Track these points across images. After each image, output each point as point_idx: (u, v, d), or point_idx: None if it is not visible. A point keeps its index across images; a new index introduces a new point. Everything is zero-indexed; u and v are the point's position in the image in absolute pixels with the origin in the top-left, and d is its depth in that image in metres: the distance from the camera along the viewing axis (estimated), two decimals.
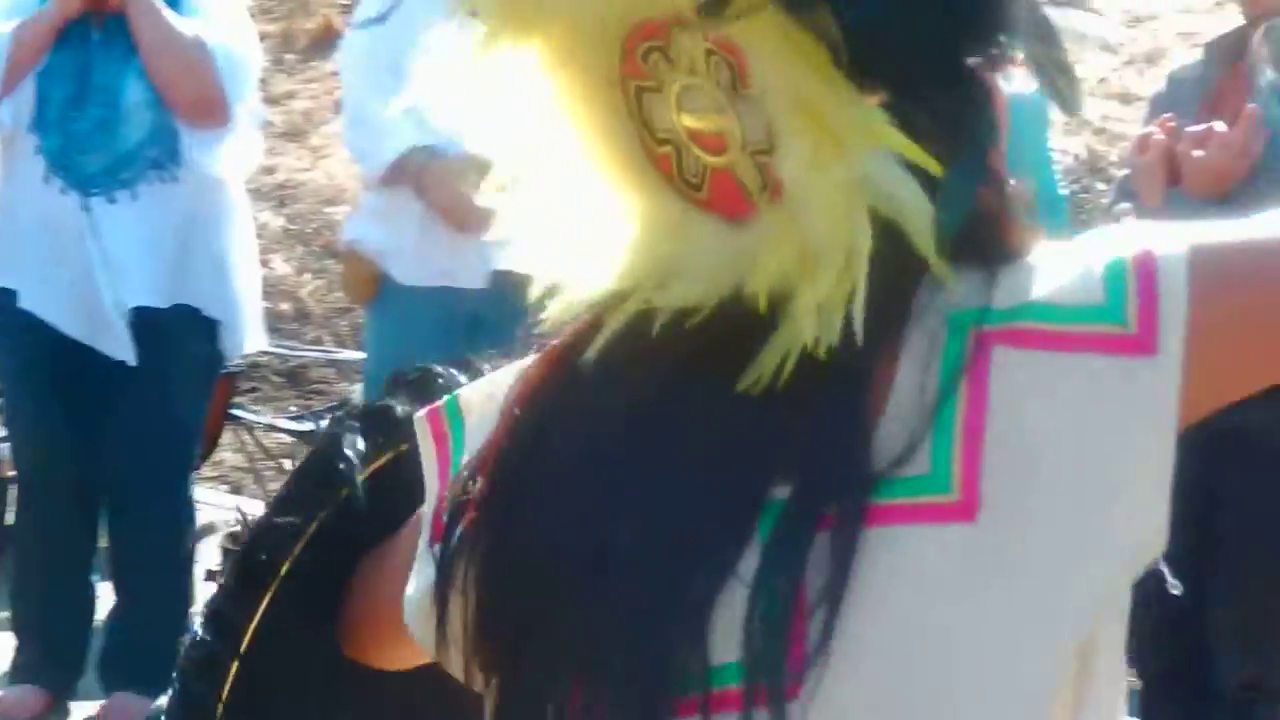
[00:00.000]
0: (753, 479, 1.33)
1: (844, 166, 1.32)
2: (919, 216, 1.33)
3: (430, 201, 4.99)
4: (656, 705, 1.31)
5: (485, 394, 1.50)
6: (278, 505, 1.61)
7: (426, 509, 1.49)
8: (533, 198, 1.43)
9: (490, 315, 4.97)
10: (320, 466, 1.61)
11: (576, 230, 1.42)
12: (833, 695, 1.29)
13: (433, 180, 4.97)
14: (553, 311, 1.42)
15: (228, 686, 1.58)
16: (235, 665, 1.58)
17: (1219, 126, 4.49)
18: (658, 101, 1.38)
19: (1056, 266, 1.36)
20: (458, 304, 5.03)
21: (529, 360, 1.48)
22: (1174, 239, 1.35)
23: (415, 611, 1.46)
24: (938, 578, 1.30)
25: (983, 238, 1.38)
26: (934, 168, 1.33)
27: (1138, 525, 1.32)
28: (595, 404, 1.40)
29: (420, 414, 1.52)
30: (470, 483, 1.44)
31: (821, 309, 1.32)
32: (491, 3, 1.40)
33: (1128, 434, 1.31)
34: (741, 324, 1.35)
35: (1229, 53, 5.03)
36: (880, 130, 1.32)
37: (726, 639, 1.31)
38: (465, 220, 4.91)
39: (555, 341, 1.46)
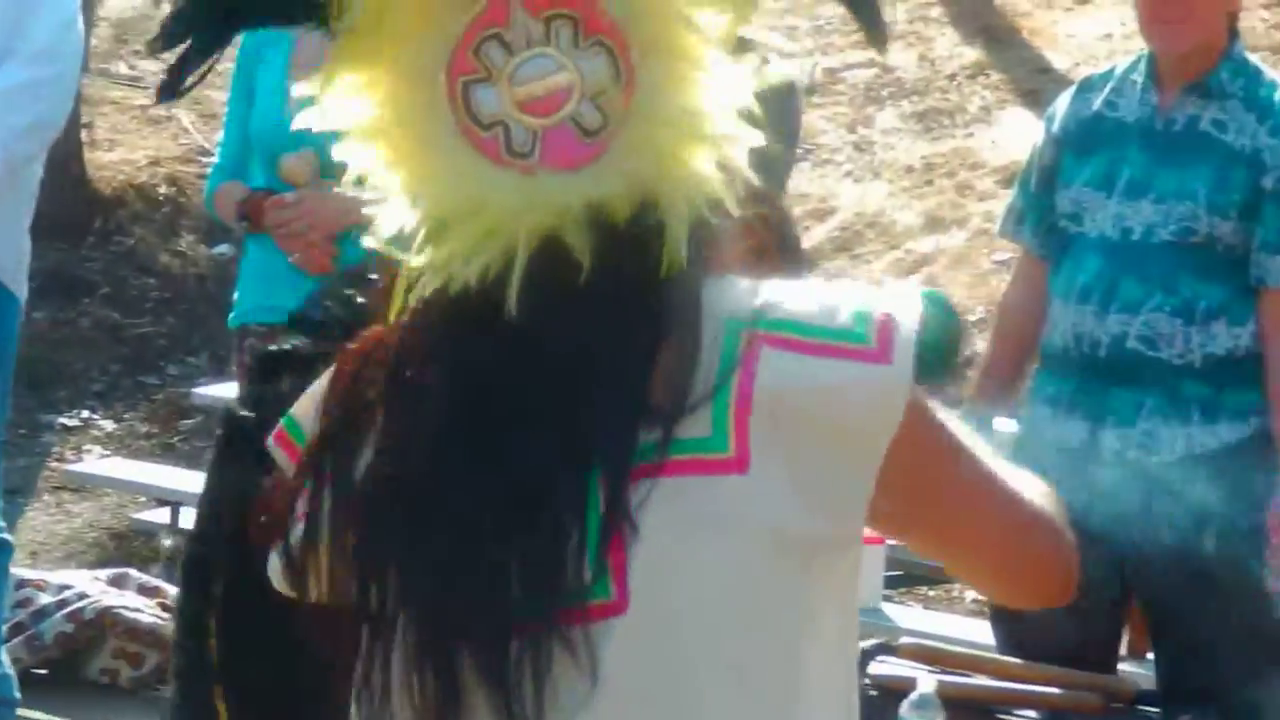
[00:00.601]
0: (580, 439, 1.67)
1: (700, 73, 1.67)
2: (744, 149, 1.70)
3: None
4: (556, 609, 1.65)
5: (310, 402, 1.80)
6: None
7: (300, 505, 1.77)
8: (382, 194, 1.71)
9: None
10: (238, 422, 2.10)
11: (416, 220, 1.70)
12: (633, 609, 1.67)
13: None
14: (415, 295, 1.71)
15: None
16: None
17: None
18: (485, 91, 1.67)
19: (813, 296, 1.72)
20: None
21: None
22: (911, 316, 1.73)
23: (278, 577, 1.78)
24: (704, 516, 1.68)
25: (755, 249, 1.75)
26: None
27: (854, 482, 1.70)
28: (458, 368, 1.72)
29: (271, 441, 1.82)
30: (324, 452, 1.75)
31: (699, 179, 1.68)
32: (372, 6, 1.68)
33: (862, 417, 1.69)
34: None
35: None
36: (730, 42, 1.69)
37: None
38: None
39: (375, 338, 1.76)
